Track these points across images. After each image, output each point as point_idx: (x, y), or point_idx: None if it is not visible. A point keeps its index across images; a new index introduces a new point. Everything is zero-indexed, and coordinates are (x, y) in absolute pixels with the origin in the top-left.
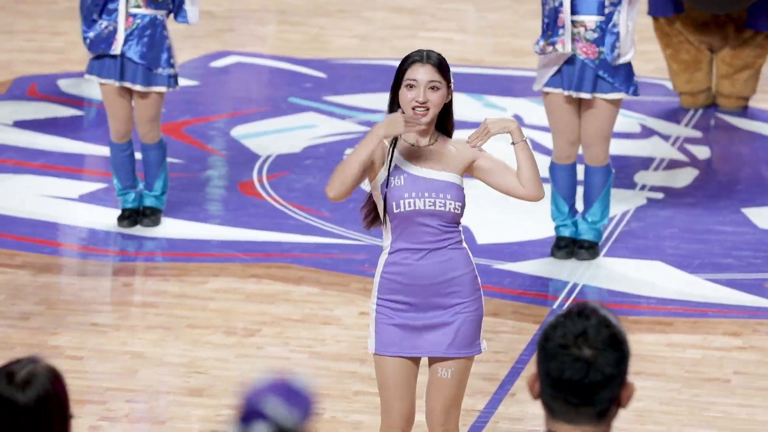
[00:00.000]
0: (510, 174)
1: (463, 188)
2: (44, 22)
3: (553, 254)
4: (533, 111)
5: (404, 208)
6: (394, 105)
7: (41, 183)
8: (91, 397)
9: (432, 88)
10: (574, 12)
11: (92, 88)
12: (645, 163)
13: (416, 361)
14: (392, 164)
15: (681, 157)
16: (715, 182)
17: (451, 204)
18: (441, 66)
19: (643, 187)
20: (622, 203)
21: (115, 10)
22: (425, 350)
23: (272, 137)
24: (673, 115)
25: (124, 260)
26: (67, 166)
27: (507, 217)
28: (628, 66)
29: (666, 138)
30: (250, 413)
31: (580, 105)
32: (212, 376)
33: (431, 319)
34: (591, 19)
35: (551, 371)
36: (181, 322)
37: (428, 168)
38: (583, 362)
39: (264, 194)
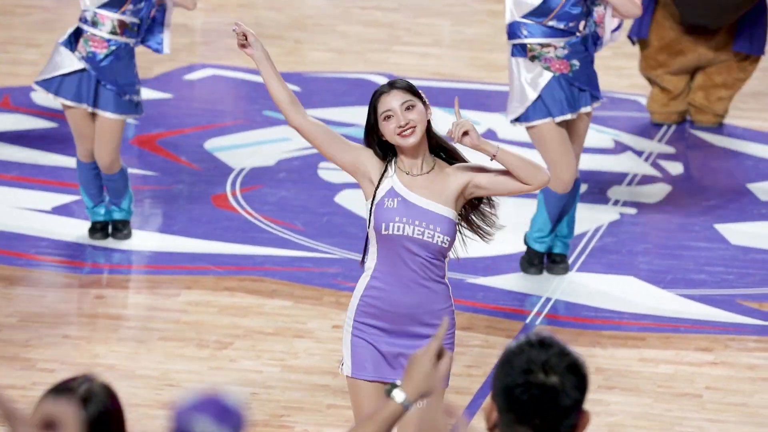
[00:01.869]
0: (505, 177)
1: (456, 223)
2: (19, 33)
3: (524, 270)
4: (508, 126)
5: (392, 231)
6: (371, 140)
7: (14, 195)
8: None
9: (408, 108)
10: (547, 35)
11: None
12: (618, 178)
13: None
14: (387, 185)
15: (654, 172)
16: (688, 198)
17: (439, 237)
18: (409, 87)
19: (616, 203)
20: (595, 218)
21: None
22: (397, 377)
23: (246, 150)
24: (646, 130)
25: (97, 272)
26: (41, 178)
27: None
28: (595, 72)
29: (639, 153)
30: (180, 431)
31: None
32: (184, 389)
33: (405, 348)
34: (558, 41)
35: (517, 396)
36: (153, 335)
37: (423, 197)
38: (550, 388)
39: (237, 207)
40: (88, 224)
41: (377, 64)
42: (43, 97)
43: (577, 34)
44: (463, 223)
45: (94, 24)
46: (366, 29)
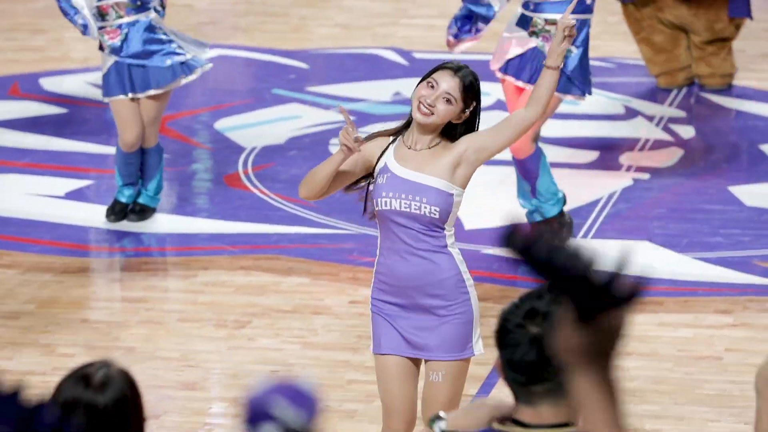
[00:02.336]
0: (507, 120)
1: (449, 193)
2: (24, 20)
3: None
4: None
5: (381, 206)
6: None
7: (27, 182)
8: None
9: (446, 99)
10: (544, 11)
11: (76, 85)
12: (630, 144)
13: (416, 362)
14: (382, 162)
15: (666, 137)
16: (701, 161)
17: (426, 208)
18: (468, 87)
19: (629, 168)
20: (609, 184)
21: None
22: (418, 353)
23: (256, 129)
24: (656, 95)
25: (112, 256)
26: (53, 164)
27: (493, 202)
28: (583, 65)
29: (650, 119)
30: (256, 415)
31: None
32: (204, 369)
33: (417, 321)
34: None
35: (504, 351)
36: (171, 317)
37: (412, 170)
38: (527, 339)
39: (250, 186)
40: (102, 208)
41: (384, 38)
42: (52, 84)
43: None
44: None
45: (102, 17)
46: (372, 3)
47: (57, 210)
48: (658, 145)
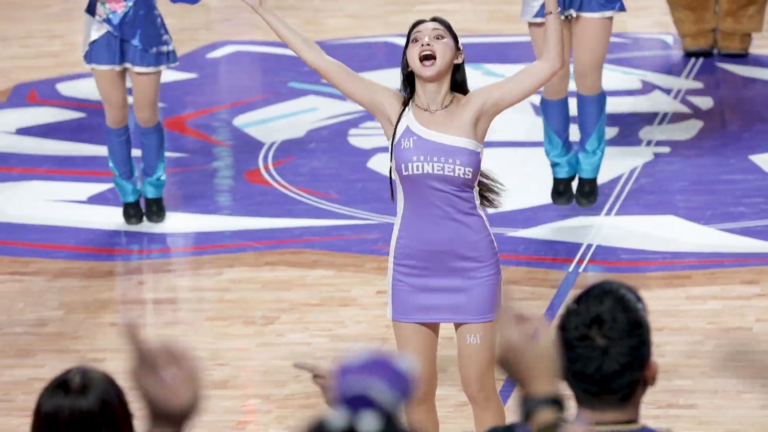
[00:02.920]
0: (525, 72)
1: (477, 152)
2: (39, 26)
3: (553, 200)
4: None
5: (413, 171)
6: (406, 73)
7: (49, 188)
8: None
9: (436, 37)
10: None
11: (92, 89)
12: (649, 118)
13: (435, 326)
14: (403, 125)
15: (684, 109)
16: (720, 132)
17: (460, 169)
18: (444, 22)
19: (649, 143)
20: (630, 160)
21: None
22: (444, 316)
23: (275, 124)
24: (673, 68)
25: (137, 258)
26: (74, 169)
27: (516, 184)
28: None
29: (668, 92)
30: (354, 399)
31: (569, 31)
32: (235, 367)
33: (448, 285)
34: None
35: (567, 362)
36: (199, 316)
37: (439, 131)
38: (597, 352)
39: (271, 181)
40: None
41: (398, 26)
42: (70, 89)
43: None
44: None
45: None
46: None
47: (80, 215)
48: (677, 118)
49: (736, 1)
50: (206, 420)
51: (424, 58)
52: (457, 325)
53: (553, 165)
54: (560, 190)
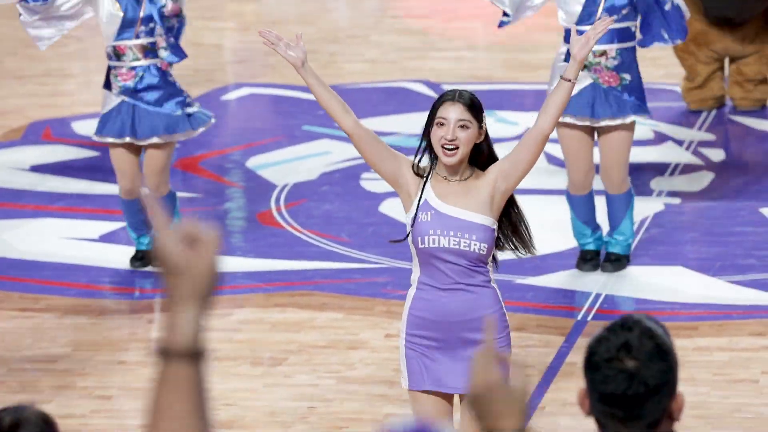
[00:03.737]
0: (521, 142)
1: (492, 228)
2: (55, 65)
3: (578, 267)
4: None
5: (428, 244)
6: (426, 144)
7: (62, 225)
8: None
9: (462, 126)
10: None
11: None
12: (660, 168)
13: (450, 397)
14: (422, 199)
15: (696, 160)
16: (731, 184)
17: (476, 245)
18: (472, 106)
19: (660, 193)
20: (640, 210)
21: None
22: (456, 387)
23: (288, 166)
24: (685, 119)
25: (148, 297)
26: (87, 207)
27: None
28: (640, 88)
29: (680, 143)
30: None
31: (593, 132)
32: (242, 407)
33: (460, 357)
34: (611, 47)
35: (596, 385)
36: (207, 356)
37: (456, 206)
38: (625, 374)
39: (283, 223)
40: (134, 249)
41: (413, 72)
42: (84, 127)
43: (632, 28)
44: (501, 238)
45: (118, 57)
46: (399, 37)
47: (91, 252)
48: (689, 169)
49: (743, 74)
50: None
51: (446, 148)
52: (462, 396)
53: (582, 243)
54: (587, 258)
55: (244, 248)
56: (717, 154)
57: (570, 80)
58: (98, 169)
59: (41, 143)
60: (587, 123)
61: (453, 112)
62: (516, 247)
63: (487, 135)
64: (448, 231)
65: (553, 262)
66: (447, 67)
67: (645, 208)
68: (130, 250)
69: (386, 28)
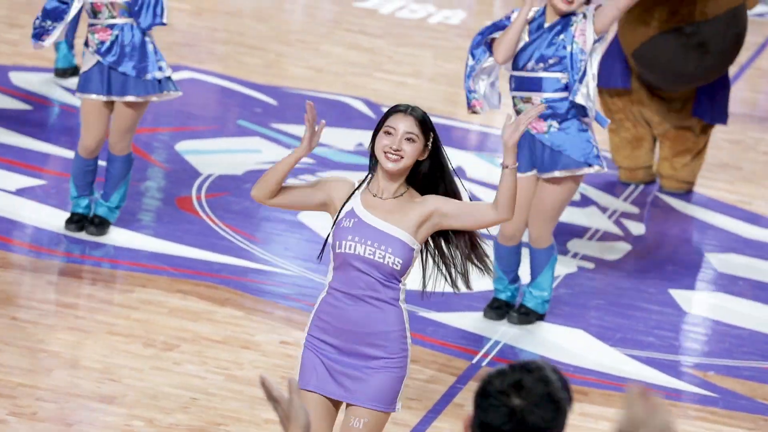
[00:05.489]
0: (475, 208)
1: (412, 248)
2: (3, 12)
3: (485, 313)
4: (478, 165)
5: (345, 249)
6: (372, 150)
7: None
8: (2, 390)
9: (408, 139)
10: (523, 89)
11: (44, 83)
12: (580, 231)
13: (336, 403)
14: (348, 206)
15: (616, 230)
16: (646, 260)
17: (390, 258)
18: (423, 122)
19: (575, 255)
20: None
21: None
22: (342, 396)
23: (216, 157)
24: (613, 187)
25: (53, 258)
26: (8, 158)
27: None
28: (587, 138)
29: (604, 210)
30: None
31: (536, 183)
32: (125, 385)
33: (353, 367)
34: (536, 96)
35: (480, 412)
36: (101, 328)
37: (380, 219)
38: (508, 409)
39: (201, 212)
40: (50, 209)
41: (355, 88)
42: (20, 78)
43: (561, 80)
44: (440, 262)
45: (94, 14)
46: (348, 51)
47: (4, 204)
48: (608, 237)
49: (672, 148)
50: (86, 431)
51: (390, 156)
52: (348, 406)
53: (496, 288)
54: (494, 305)
55: (157, 229)
56: (637, 228)
57: (508, 167)
58: (28, 123)
59: None
60: (531, 174)
61: (402, 124)
62: (454, 280)
63: (432, 155)
64: (365, 240)
65: (461, 302)
66: (389, 90)
67: (558, 267)
68: (46, 209)
69: (337, 39)
